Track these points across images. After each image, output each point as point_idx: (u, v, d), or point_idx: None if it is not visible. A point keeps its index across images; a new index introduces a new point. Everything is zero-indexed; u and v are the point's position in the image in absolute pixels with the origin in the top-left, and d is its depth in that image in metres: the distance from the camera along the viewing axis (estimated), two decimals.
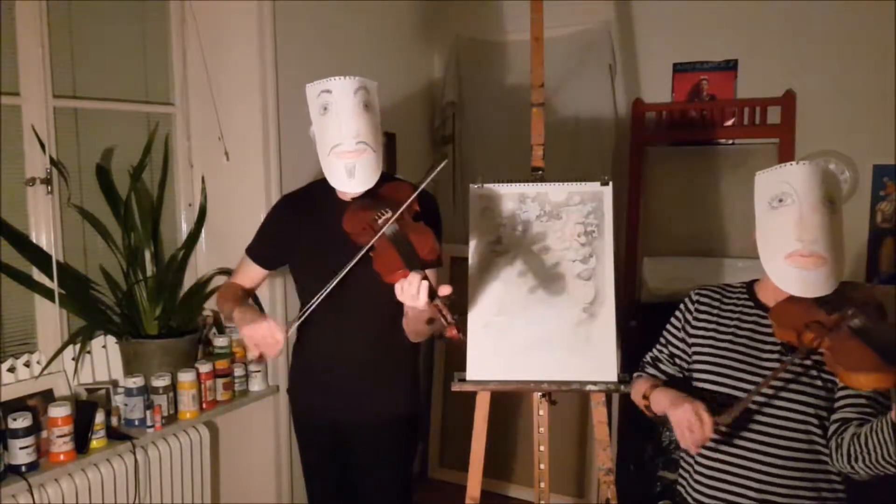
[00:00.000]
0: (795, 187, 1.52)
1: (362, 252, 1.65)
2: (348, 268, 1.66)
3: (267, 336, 1.70)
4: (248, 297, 2.03)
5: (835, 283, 1.51)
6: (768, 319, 1.60)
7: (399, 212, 1.66)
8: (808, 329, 1.47)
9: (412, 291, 1.54)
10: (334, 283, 1.67)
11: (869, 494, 1.74)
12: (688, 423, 1.49)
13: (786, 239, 1.51)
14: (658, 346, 1.83)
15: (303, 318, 1.77)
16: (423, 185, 1.74)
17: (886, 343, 1.40)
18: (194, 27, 2.62)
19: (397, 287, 1.57)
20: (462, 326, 1.56)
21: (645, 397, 1.69)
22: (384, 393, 1.97)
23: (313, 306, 1.71)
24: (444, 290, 1.55)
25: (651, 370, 1.81)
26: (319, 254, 1.87)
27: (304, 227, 1.94)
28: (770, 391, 1.57)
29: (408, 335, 1.91)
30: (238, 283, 2.05)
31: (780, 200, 1.54)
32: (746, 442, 1.59)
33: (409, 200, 1.70)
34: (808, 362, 1.54)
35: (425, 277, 1.56)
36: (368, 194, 1.81)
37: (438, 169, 1.74)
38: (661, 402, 1.61)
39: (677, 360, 1.77)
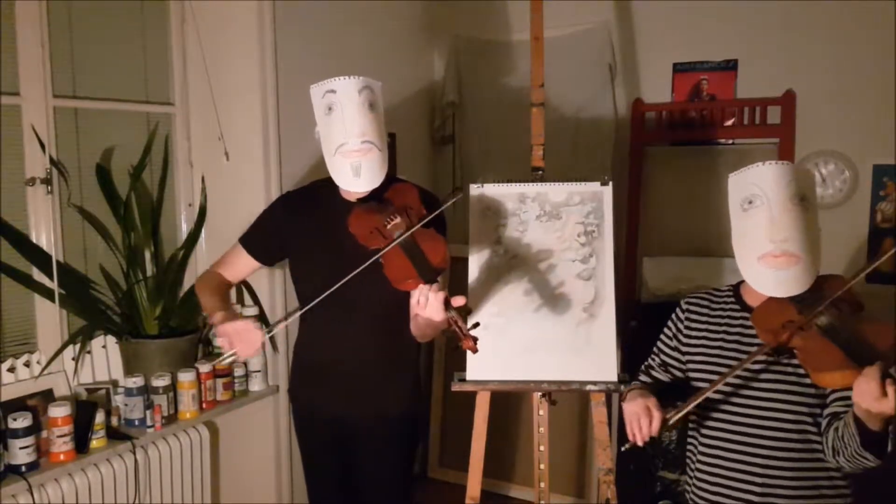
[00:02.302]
0: (764, 188, 1.52)
1: (370, 261, 1.64)
2: (350, 276, 1.65)
3: (242, 332, 1.68)
4: (230, 294, 1.99)
5: (810, 280, 1.51)
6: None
7: (414, 228, 1.65)
8: (782, 329, 1.48)
9: (429, 304, 1.54)
10: (335, 288, 1.66)
11: (874, 489, 1.74)
12: (636, 416, 1.54)
13: (758, 240, 1.52)
14: (651, 355, 1.84)
15: (288, 321, 1.75)
16: (438, 211, 1.74)
17: (853, 338, 1.40)
18: (194, 27, 2.62)
19: (414, 299, 1.57)
20: (476, 338, 1.56)
21: (622, 400, 1.72)
22: (385, 392, 1.97)
23: (303, 311, 1.70)
24: (458, 301, 1.55)
25: (643, 378, 1.82)
26: (323, 255, 1.87)
27: (307, 226, 1.93)
28: (761, 391, 1.57)
29: (415, 336, 1.91)
30: (221, 272, 2.01)
31: (750, 202, 1.54)
32: (743, 445, 1.59)
33: (426, 219, 1.69)
34: (795, 361, 1.54)
35: (441, 289, 1.56)
36: (374, 196, 1.80)
37: (454, 200, 1.73)
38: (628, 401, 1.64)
39: (669, 369, 1.77)
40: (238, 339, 1.69)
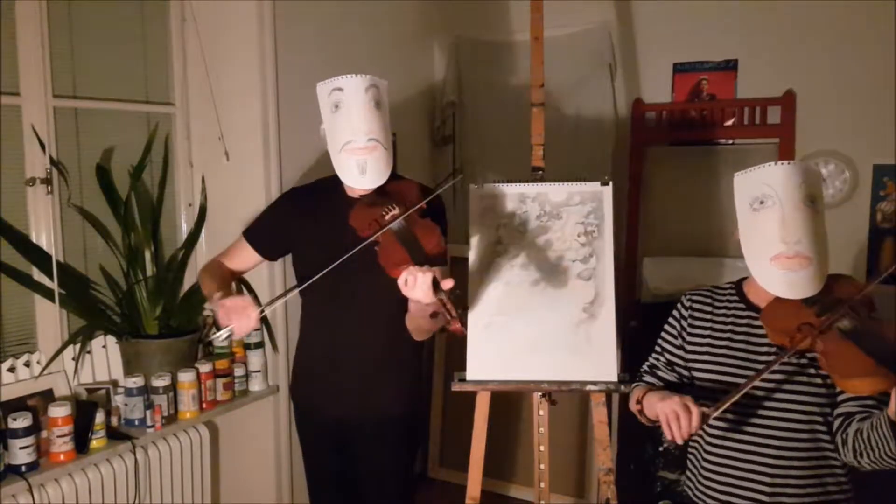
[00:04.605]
0: (776, 188, 1.52)
1: (364, 243, 1.66)
2: (345, 257, 1.67)
3: (240, 308, 1.70)
4: (233, 282, 2.00)
5: (821, 282, 1.51)
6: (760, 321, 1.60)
7: (408, 212, 1.68)
8: (798, 332, 1.47)
9: (417, 284, 1.54)
10: (328, 270, 1.68)
11: (872, 486, 1.74)
12: (674, 414, 1.47)
13: (769, 241, 1.51)
14: (654, 354, 1.81)
15: (279, 302, 1.78)
16: (437, 192, 1.78)
17: (878, 342, 1.39)
18: (194, 27, 2.62)
19: (401, 280, 1.57)
20: (465, 320, 1.56)
21: (638, 402, 1.67)
22: (386, 392, 1.97)
23: (294, 291, 1.73)
24: (448, 283, 1.56)
25: (648, 378, 1.79)
26: (325, 250, 1.87)
27: (311, 222, 1.94)
28: (771, 391, 1.56)
29: (411, 332, 1.91)
30: (224, 262, 2.02)
31: (762, 202, 1.54)
32: (752, 445, 1.58)
33: (420, 204, 1.71)
34: (804, 360, 1.54)
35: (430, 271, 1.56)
36: (376, 191, 1.82)
37: (452, 182, 1.77)
38: (652, 402, 1.59)
39: (676, 368, 1.75)
40: (235, 315, 1.70)
